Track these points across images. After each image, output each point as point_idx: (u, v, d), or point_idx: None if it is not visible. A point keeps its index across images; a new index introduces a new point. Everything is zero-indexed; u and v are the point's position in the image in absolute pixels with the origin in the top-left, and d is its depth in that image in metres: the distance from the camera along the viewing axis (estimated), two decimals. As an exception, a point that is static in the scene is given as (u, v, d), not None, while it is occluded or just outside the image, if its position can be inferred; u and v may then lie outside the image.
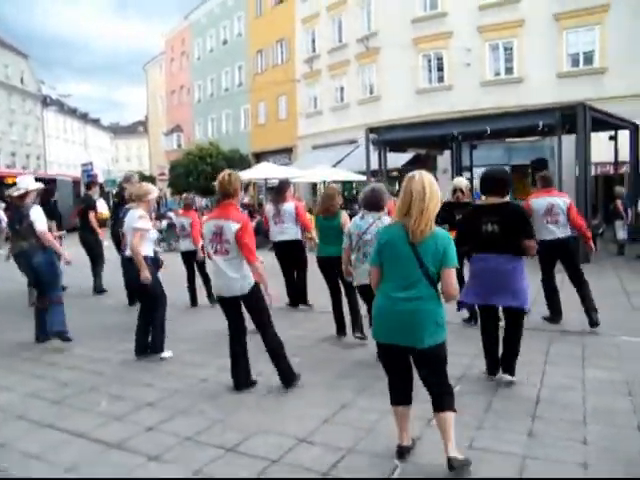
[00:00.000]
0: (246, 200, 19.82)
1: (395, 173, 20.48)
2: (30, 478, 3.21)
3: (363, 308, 5.50)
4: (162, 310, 5.59)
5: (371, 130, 15.66)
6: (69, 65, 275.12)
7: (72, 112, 67.26)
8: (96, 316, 7.55)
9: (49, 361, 5.51)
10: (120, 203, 8.22)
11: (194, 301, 8.17)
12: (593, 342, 5.69)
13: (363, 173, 18.43)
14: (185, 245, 8.18)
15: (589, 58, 18.90)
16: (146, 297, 5.55)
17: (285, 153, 30.40)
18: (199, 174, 28.49)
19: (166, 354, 5.46)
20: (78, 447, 3.53)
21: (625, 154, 15.17)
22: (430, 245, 3.01)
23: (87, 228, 9.32)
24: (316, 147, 27.60)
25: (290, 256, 7.63)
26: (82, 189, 21.43)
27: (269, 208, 7.85)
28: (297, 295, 7.72)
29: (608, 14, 17.96)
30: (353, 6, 25.41)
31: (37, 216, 6.05)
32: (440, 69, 22.21)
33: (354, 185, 24.03)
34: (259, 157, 31.34)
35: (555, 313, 6.51)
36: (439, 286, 3.08)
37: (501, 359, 4.49)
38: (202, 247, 7.50)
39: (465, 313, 6.40)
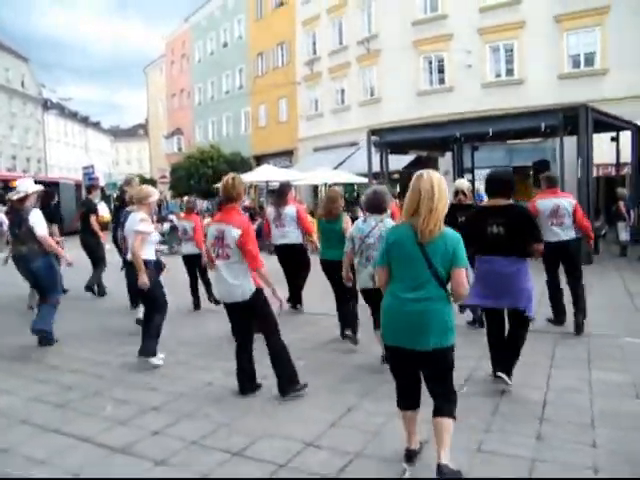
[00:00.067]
0: (247, 203, 19.80)
1: (396, 175, 20.50)
2: (30, 478, 3.19)
3: (365, 312, 5.46)
4: (160, 316, 5.47)
5: (373, 132, 15.67)
6: (69, 68, 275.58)
7: (73, 115, 67.35)
8: (96, 319, 7.53)
9: (51, 364, 5.49)
10: (121, 206, 8.21)
11: (197, 305, 8.15)
12: (598, 344, 5.66)
13: (364, 175, 18.43)
14: (187, 249, 8.15)
15: (590, 59, 18.89)
16: (147, 300, 5.53)
17: (286, 156, 30.41)
18: (200, 177, 28.52)
19: (156, 360, 5.28)
20: (83, 452, 3.51)
21: (627, 155, 15.16)
22: (439, 245, 2.96)
23: (88, 231, 9.31)
24: (317, 149, 27.61)
25: (292, 260, 7.61)
26: (84, 192, 21.39)
27: (270, 211, 7.83)
28: (293, 295, 7.68)
29: (609, 15, 17.95)
30: (353, 8, 25.43)
31: (37, 220, 6.02)
32: (441, 71, 22.22)
33: (355, 187, 24.02)
34: (260, 160, 31.36)
35: (559, 314, 6.47)
36: (448, 287, 3.03)
37: (502, 358, 4.43)
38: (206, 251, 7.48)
39: (469, 315, 6.39)
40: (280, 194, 7.82)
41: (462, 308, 5.63)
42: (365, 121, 22.44)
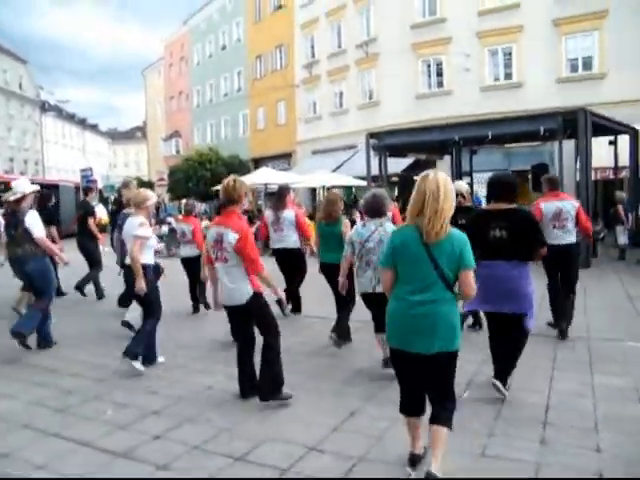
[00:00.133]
0: (246, 206, 19.79)
1: (395, 178, 20.51)
2: (30, 478, 3.16)
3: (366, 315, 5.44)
4: (153, 321, 5.39)
5: (371, 135, 15.68)
6: (67, 70, 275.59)
7: (70, 118, 67.24)
8: (94, 322, 7.47)
9: (50, 368, 5.44)
10: (118, 209, 8.17)
11: (196, 307, 8.12)
12: (599, 348, 5.65)
13: (362, 178, 18.44)
14: (185, 251, 8.13)
15: (588, 63, 18.97)
16: (142, 304, 5.46)
17: (284, 158, 30.40)
18: (198, 180, 28.48)
19: (138, 365, 5.14)
20: (84, 457, 3.48)
21: (625, 159, 15.20)
22: (446, 247, 2.92)
23: (86, 234, 9.26)
24: (315, 152, 27.61)
25: (290, 264, 7.58)
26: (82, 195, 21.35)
27: (269, 214, 7.78)
28: (292, 300, 7.64)
29: (607, 19, 18.03)
30: (352, 12, 25.48)
31: (33, 221, 5.96)
32: (439, 74, 22.26)
33: (353, 190, 24.02)
34: (258, 162, 31.35)
35: (560, 318, 6.45)
36: (455, 289, 3.00)
37: (495, 373, 4.31)
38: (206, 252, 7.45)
39: (469, 319, 6.37)
40: (279, 197, 7.77)
41: (464, 317, 5.61)
42: (363, 124, 22.44)
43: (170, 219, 18.72)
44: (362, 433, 3.71)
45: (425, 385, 3.13)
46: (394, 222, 7.61)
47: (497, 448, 3.45)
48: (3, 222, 6.77)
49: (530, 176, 16.54)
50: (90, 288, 9.21)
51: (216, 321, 6.54)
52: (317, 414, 4.07)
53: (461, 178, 15.70)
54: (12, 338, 5.80)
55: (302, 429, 3.80)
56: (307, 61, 28.54)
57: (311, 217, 14.43)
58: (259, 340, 4.45)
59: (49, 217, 8.25)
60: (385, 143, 15.56)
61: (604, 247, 14.03)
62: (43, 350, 6.06)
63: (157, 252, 6.23)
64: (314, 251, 6.87)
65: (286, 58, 30.72)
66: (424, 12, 22.55)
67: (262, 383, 4.30)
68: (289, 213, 7.52)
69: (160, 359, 5.53)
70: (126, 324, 6.39)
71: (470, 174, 16.94)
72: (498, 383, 4.22)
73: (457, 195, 6.56)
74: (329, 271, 6.07)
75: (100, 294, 9.30)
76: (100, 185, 28.89)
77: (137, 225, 5.24)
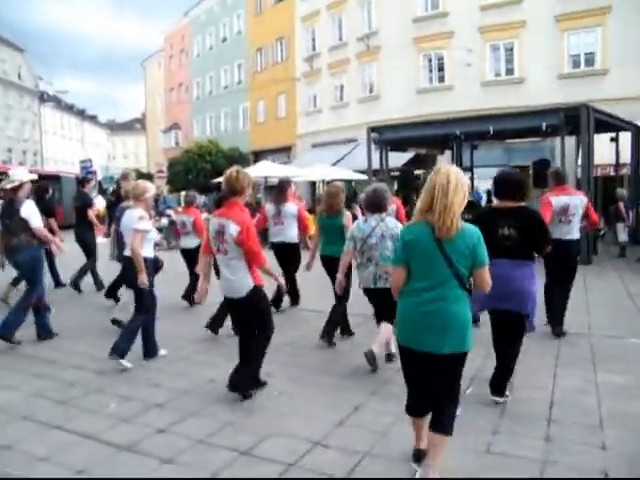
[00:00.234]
0: (246, 198, 19.69)
1: (395, 173, 20.48)
2: (30, 478, 3.14)
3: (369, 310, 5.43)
4: (142, 317, 5.28)
5: (372, 129, 15.62)
6: (65, 61, 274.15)
7: (69, 108, 66.94)
8: (94, 313, 7.43)
9: (51, 359, 5.41)
10: (117, 201, 8.11)
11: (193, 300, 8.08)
12: (601, 345, 5.65)
13: (362, 172, 18.40)
14: (186, 242, 8.10)
15: (590, 60, 18.92)
16: (136, 298, 5.34)
17: (284, 152, 30.32)
18: (198, 172, 28.41)
19: (125, 363, 5.05)
20: (88, 449, 3.46)
21: (626, 156, 15.19)
22: (459, 243, 2.86)
23: (84, 225, 9.19)
24: (315, 146, 27.54)
25: (287, 258, 7.54)
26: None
27: (269, 207, 7.73)
28: (290, 293, 7.62)
29: (609, 16, 17.96)
30: (353, 4, 25.35)
31: (30, 212, 5.86)
32: (441, 69, 22.19)
33: (353, 184, 23.98)
34: (258, 155, 31.26)
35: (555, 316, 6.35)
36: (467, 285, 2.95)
37: (492, 377, 4.24)
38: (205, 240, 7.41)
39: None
40: (280, 190, 7.72)
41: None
42: (364, 118, 22.38)
43: (169, 211, 18.66)
44: (367, 428, 3.70)
45: (432, 385, 3.06)
46: (398, 215, 7.60)
47: (502, 445, 3.44)
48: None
49: (531, 172, 16.51)
50: (88, 280, 9.17)
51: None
52: (320, 408, 4.06)
53: (462, 173, 15.68)
54: None
55: (306, 423, 3.78)
56: (308, 54, 28.42)
57: (310, 211, 14.37)
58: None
59: (46, 209, 8.21)
60: (386, 137, 15.51)
61: (604, 244, 14.04)
62: (42, 341, 6.02)
63: (157, 245, 6.18)
64: (309, 246, 6.84)
65: (287, 51, 30.58)
66: (426, 6, 22.46)
67: (240, 374, 4.27)
68: (291, 206, 7.49)
69: (162, 352, 5.50)
70: (116, 322, 6.36)
71: (471, 169, 16.92)
72: (497, 399, 4.16)
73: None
74: (330, 264, 6.04)
75: (100, 285, 9.25)
76: (99, 176, 28.79)
77: (137, 218, 5.15)
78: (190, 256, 8.00)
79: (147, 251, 5.32)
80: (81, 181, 10.39)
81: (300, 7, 29.01)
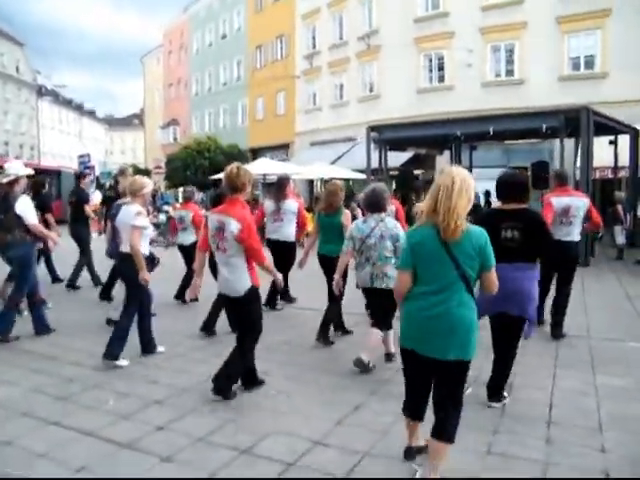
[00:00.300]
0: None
1: (393, 172, 20.46)
2: (31, 478, 3.11)
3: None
4: (133, 314, 5.23)
5: (372, 128, 15.61)
6: (64, 55, 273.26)
7: (67, 103, 66.77)
8: (92, 309, 7.40)
9: (49, 355, 5.38)
10: (116, 197, 8.06)
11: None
12: (600, 347, 5.65)
13: (361, 171, 18.39)
14: (183, 238, 8.07)
15: (590, 62, 18.95)
16: (128, 294, 5.28)
17: (282, 149, 30.30)
18: (197, 168, 28.33)
19: (121, 362, 5.01)
20: (88, 446, 3.44)
21: (624, 159, 15.22)
22: (465, 244, 2.81)
23: (80, 221, 9.13)
24: (314, 144, 27.51)
25: (282, 255, 7.52)
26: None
27: (268, 204, 7.71)
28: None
29: (610, 18, 17.99)
30: (354, 3, 25.32)
31: (25, 208, 5.78)
32: (441, 69, 22.19)
33: (351, 183, 23.96)
34: (256, 152, 31.24)
35: (539, 315, 6.25)
36: (475, 289, 2.92)
37: (489, 382, 4.22)
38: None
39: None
40: (279, 187, 7.70)
41: None
42: (364, 117, 22.36)
43: (167, 207, 18.63)
44: (366, 428, 3.69)
45: (429, 391, 3.05)
46: (397, 216, 7.59)
47: (503, 446, 3.44)
48: None
49: (529, 173, 16.52)
50: (86, 276, 9.13)
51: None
52: (320, 408, 4.05)
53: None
54: None
55: (306, 422, 3.77)
56: (308, 52, 28.39)
57: (308, 209, 14.34)
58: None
59: (43, 204, 8.16)
60: (386, 136, 15.50)
61: (602, 246, 14.06)
62: (40, 336, 5.99)
63: (153, 241, 6.11)
64: (303, 243, 6.81)
65: (287, 48, 30.54)
66: (427, 6, 22.46)
67: (223, 377, 4.21)
68: (292, 203, 7.48)
69: (160, 349, 5.48)
70: (111, 322, 6.32)
71: (470, 170, 16.79)
72: (494, 404, 4.14)
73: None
74: (327, 263, 6.02)
75: (96, 280, 9.20)
76: (97, 172, 28.69)
77: (134, 214, 5.09)
78: (187, 252, 7.99)
79: (143, 248, 5.26)
80: (78, 176, 10.28)
81: (301, 5, 28.96)
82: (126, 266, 5.19)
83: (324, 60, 27.33)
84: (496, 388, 4.20)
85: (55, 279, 9.51)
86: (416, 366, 3.02)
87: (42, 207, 7.74)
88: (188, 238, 7.92)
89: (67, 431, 3.65)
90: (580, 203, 6.09)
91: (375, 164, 15.84)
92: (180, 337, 6.01)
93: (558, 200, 6.05)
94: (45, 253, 8.77)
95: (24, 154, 51.08)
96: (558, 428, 3.71)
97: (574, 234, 6.09)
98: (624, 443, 3.50)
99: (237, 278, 4.20)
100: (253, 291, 4.24)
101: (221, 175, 4.53)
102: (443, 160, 19.56)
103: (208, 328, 6.17)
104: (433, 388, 3.02)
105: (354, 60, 25.44)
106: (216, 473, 3.11)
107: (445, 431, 2.89)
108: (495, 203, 5.57)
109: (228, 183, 4.29)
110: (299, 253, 7.36)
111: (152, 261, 5.62)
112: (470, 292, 2.87)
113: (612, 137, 15.14)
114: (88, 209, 9.15)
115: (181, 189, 13.89)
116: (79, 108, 71.16)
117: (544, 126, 12.29)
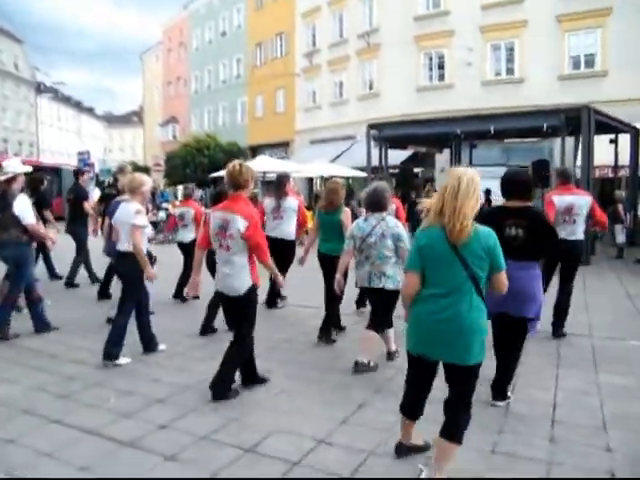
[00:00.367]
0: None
1: (392, 170, 20.45)
2: (32, 478, 3.08)
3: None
4: (128, 315, 5.17)
5: (372, 126, 15.59)
6: (63, 52, 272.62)
7: (66, 100, 66.63)
8: (91, 307, 7.38)
9: (50, 353, 5.36)
10: (117, 195, 8.02)
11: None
12: (602, 346, 5.65)
13: (361, 169, 18.37)
14: (182, 235, 8.04)
15: (590, 61, 18.95)
16: (125, 292, 5.22)
17: (282, 147, 30.26)
18: (196, 166, 28.31)
19: (121, 361, 5.00)
20: (91, 445, 3.42)
21: (624, 158, 15.22)
22: (474, 245, 2.78)
23: (78, 219, 9.08)
24: (313, 142, 27.48)
25: (280, 253, 7.48)
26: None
27: (268, 202, 7.68)
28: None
29: (610, 17, 17.98)
30: (355, 1, 25.27)
31: (23, 207, 5.72)
32: (441, 67, 22.17)
33: (350, 181, 23.94)
34: (255, 150, 31.17)
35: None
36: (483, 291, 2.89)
37: (493, 382, 4.20)
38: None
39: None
40: (279, 185, 7.67)
41: None
42: (363, 115, 22.33)
43: (166, 205, 18.59)
44: (371, 426, 3.68)
45: (428, 393, 3.07)
46: (398, 215, 7.56)
47: (507, 445, 3.43)
48: None
49: (530, 172, 16.53)
50: (84, 273, 9.10)
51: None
52: (323, 406, 4.04)
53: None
54: None
55: (309, 421, 3.76)
56: (308, 50, 28.34)
57: (308, 208, 14.32)
58: (256, 332, 4.40)
59: (41, 201, 8.12)
60: (386, 134, 15.49)
61: (602, 245, 14.07)
62: (40, 334, 5.97)
63: (151, 240, 6.07)
64: (303, 242, 6.80)
65: (286, 46, 30.48)
66: (427, 4, 22.43)
67: (215, 381, 4.18)
68: (292, 201, 7.46)
69: (161, 347, 5.46)
70: (111, 321, 6.27)
71: (470, 168, 16.92)
72: (498, 403, 4.13)
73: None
74: (326, 261, 5.97)
75: (94, 278, 9.16)
76: (96, 169, 28.62)
77: (134, 213, 5.02)
78: (186, 250, 7.96)
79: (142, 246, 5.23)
80: (77, 173, 10.20)
81: (301, 3, 28.90)
82: (124, 264, 5.17)
83: (324, 58, 27.29)
84: (500, 388, 4.19)
85: (54, 276, 9.48)
86: (422, 370, 3.00)
87: (40, 204, 7.70)
88: (188, 235, 7.89)
89: (69, 429, 3.64)
90: (583, 201, 6.06)
91: (375, 162, 15.83)
92: (179, 336, 5.98)
93: (560, 198, 6.02)
94: (43, 250, 8.74)
95: (23, 151, 50.99)
96: (562, 427, 3.70)
97: (578, 232, 6.05)
98: (628, 442, 3.49)
99: (239, 277, 4.16)
100: (253, 289, 4.22)
101: (220, 173, 4.51)
102: (443, 158, 19.59)
103: (206, 331, 6.13)
104: (447, 389, 2.99)
105: (354, 58, 25.40)
106: (221, 472, 3.09)
107: (454, 433, 2.87)
108: (495, 201, 5.56)
109: (231, 180, 4.23)
110: (298, 251, 7.36)
111: (150, 259, 5.59)
112: (480, 293, 2.84)
113: (612, 136, 15.14)
114: (87, 206, 9.10)
115: (181, 187, 13.86)
116: (78, 105, 71.02)
117: (545, 125, 12.29)
